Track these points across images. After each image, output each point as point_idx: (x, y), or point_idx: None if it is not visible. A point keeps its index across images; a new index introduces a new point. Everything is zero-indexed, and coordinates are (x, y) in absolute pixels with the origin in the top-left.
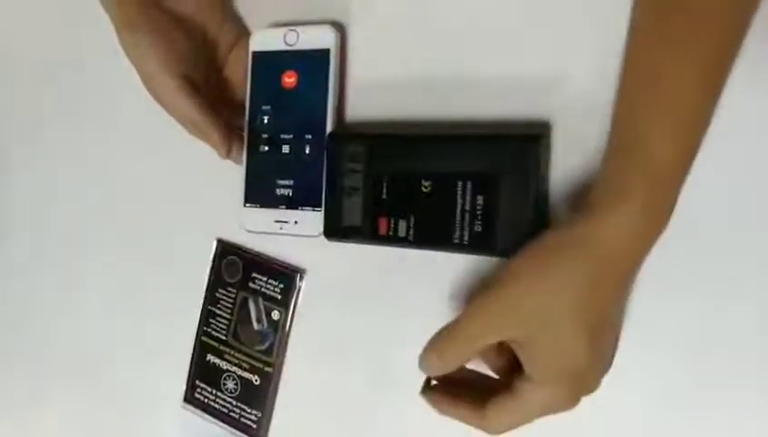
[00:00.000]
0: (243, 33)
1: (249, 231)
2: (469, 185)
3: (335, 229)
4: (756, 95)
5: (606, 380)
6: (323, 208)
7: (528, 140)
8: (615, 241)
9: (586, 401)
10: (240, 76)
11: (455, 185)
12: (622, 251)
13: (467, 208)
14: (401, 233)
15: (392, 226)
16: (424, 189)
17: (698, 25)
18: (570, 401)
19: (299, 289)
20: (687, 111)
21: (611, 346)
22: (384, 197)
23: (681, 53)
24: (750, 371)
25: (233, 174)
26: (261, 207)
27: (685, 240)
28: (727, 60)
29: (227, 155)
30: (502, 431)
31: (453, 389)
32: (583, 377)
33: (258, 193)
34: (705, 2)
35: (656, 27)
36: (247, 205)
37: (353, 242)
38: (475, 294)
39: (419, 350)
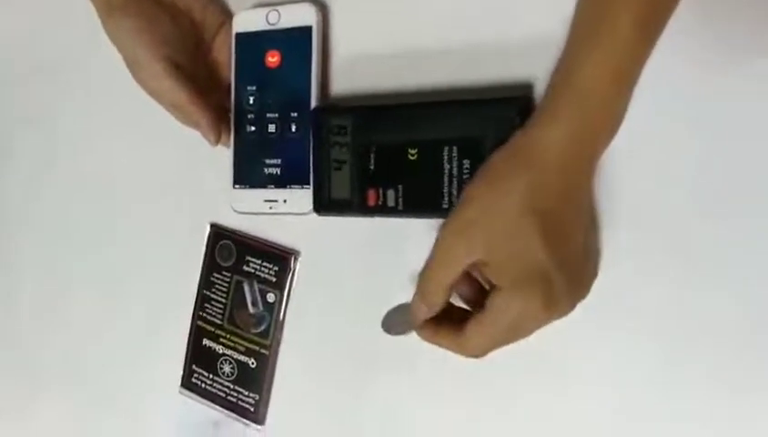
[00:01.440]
0: (228, 16)
1: (240, 212)
2: (455, 150)
3: (324, 204)
4: (734, 83)
5: (580, 363)
6: (311, 184)
7: (509, 102)
8: (549, 151)
9: (558, 375)
10: (227, 59)
11: (441, 151)
12: (557, 160)
13: (454, 172)
14: (391, 203)
15: (381, 196)
16: (411, 157)
17: None
18: (543, 309)
19: (294, 271)
20: (620, 47)
21: (579, 256)
22: (371, 168)
23: None
24: (724, 352)
25: (224, 157)
26: (250, 187)
27: (662, 224)
28: (662, 9)
29: (217, 141)
30: (481, 352)
31: (436, 319)
32: (549, 279)
33: (247, 174)
34: None
35: None
36: (237, 186)
37: (343, 215)
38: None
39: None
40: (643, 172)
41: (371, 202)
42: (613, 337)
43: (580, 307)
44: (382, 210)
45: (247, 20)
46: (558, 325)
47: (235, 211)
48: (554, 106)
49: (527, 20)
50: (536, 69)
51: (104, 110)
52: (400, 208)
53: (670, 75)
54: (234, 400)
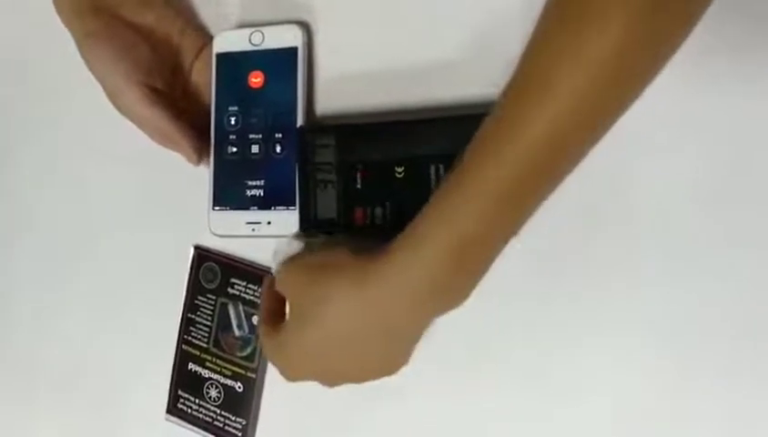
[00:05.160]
0: (207, 40)
1: (219, 236)
2: (441, 167)
3: (311, 224)
4: (725, 97)
5: (579, 374)
6: (297, 204)
7: None
8: (391, 299)
9: (558, 392)
10: (207, 82)
11: (428, 168)
12: (393, 308)
13: None
14: (378, 221)
15: (369, 215)
16: (397, 175)
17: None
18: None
19: None
20: (469, 218)
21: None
22: (358, 186)
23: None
24: (726, 357)
25: (207, 178)
26: (231, 209)
27: (658, 234)
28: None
29: (199, 160)
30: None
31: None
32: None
33: (228, 195)
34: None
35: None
36: (216, 208)
37: (331, 236)
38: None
39: None
40: (642, 176)
41: (359, 221)
42: (612, 345)
43: (574, 316)
44: (370, 229)
45: (229, 40)
46: (555, 337)
47: (214, 234)
48: (398, 256)
49: (510, 36)
50: None
51: (84, 132)
52: (388, 226)
53: (670, 77)
54: (221, 424)
